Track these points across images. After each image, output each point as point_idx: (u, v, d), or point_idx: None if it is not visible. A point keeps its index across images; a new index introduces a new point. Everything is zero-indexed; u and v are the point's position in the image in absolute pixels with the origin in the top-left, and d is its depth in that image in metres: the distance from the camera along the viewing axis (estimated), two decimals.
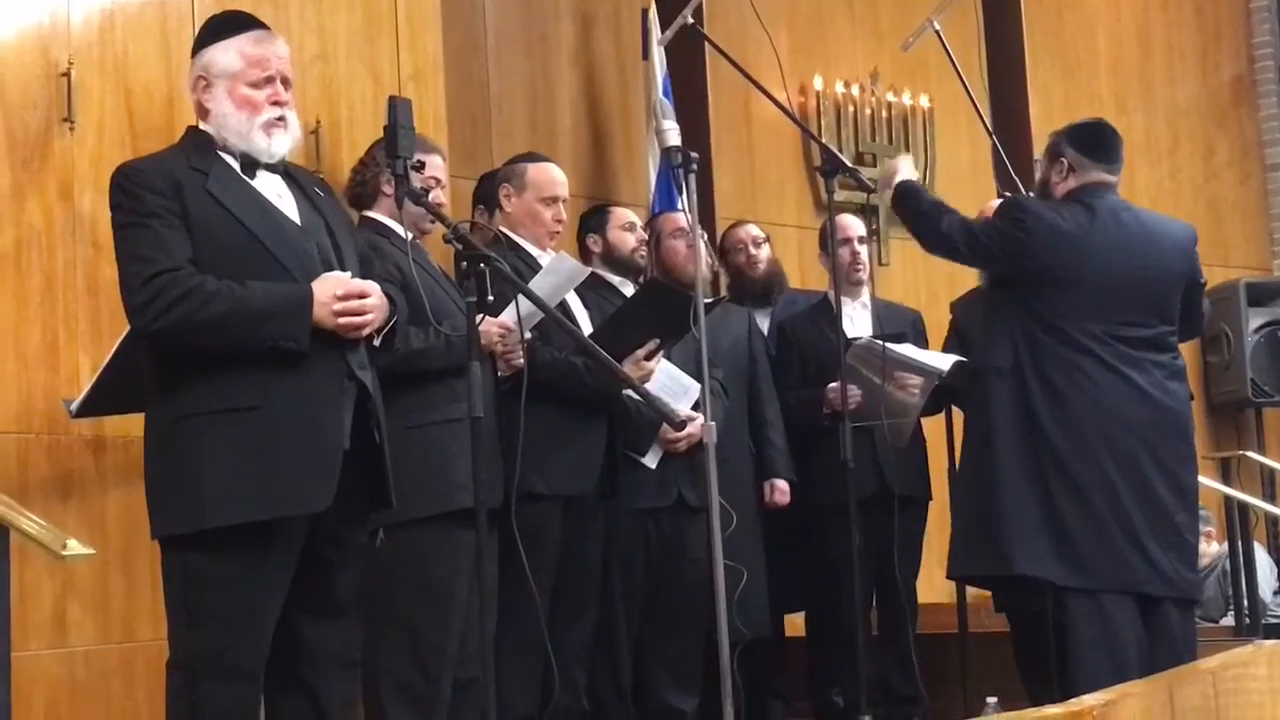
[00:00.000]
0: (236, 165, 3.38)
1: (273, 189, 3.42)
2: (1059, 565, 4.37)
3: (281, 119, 3.41)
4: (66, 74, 4.24)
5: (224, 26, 3.49)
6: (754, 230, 5.86)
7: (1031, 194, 5.43)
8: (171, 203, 3.26)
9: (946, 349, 5.70)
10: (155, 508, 3.31)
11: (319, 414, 3.27)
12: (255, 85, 3.39)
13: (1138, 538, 4.38)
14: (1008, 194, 5.55)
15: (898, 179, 4.82)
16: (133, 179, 3.31)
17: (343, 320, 3.29)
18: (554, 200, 4.78)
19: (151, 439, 3.34)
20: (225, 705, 3.22)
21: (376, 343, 3.43)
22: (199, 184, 3.30)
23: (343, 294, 3.30)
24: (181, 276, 3.21)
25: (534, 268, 4.57)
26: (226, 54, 3.41)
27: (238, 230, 3.30)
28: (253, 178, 3.39)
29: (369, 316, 3.34)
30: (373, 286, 3.37)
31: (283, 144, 3.42)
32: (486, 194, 5.09)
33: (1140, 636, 4.36)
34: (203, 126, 3.43)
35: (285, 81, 3.44)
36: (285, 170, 3.47)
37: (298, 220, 3.41)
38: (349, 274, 3.38)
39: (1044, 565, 4.38)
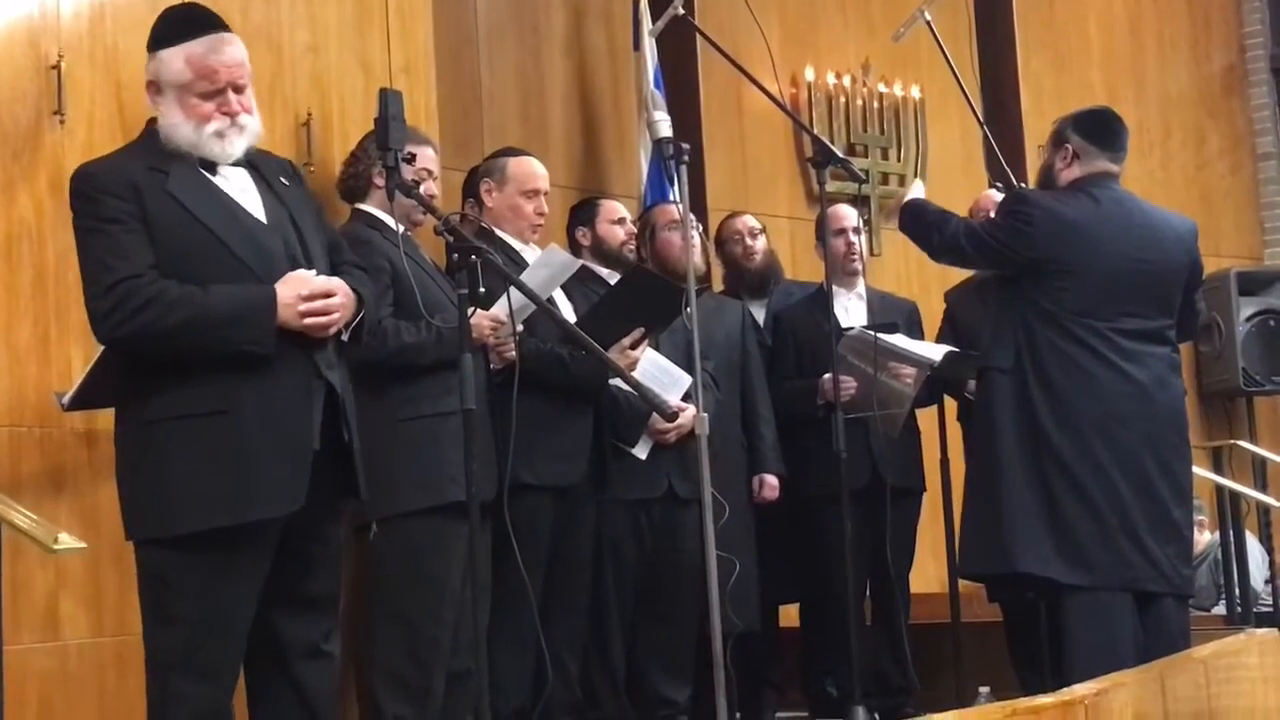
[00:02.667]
0: (197, 163, 3.33)
1: (236, 184, 3.37)
2: (1061, 564, 4.36)
3: (233, 125, 3.33)
4: (56, 67, 4.22)
5: (176, 27, 3.39)
6: (750, 221, 5.85)
7: (1023, 185, 5.45)
8: (131, 206, 3.22)
9: (940, 338, 5.71)
10: (127, 511, 3.31)
11: (287, 416, 3.24)
12: (204, 96, 3.32)
13: (1138, 535, 4.38)
14: (998, 184, 5.55)
15: (907, 197, 4.85)
16: (90, 183, 3.27)
17: (309, 320, 3.26)
18: (535, 193, 4.78)
19: (122, 442, 3.32)
20: (194, 704, 3.22)
21: (345, 337, 3.39)
22: (159, 184, 3.26)
23: (307, 294, 3.26)
24: (142, 284, 3.18)
25: (517, 262, 4.57)
26: (177, 62, 3.33)
27: (199, 231, 3.26)
28: (214, 174, 3.35)
29: (335, 316, 3.30)
30: (338, 284, 3.32)
31: (237, 146, 3.35)
32: (475, 187, 5.09)
33: (1137, 632, 4.36)
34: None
35: (238, 89, 3.35)
36: (249, 161, 3.41)
37: (262, 216, 3.36)
38: (314, 271, 3.33)
39: (1047, 564, 4.36)
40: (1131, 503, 4.38)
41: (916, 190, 4.88)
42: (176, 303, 3.18)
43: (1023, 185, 5.44)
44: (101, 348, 3.91)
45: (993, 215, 4.85)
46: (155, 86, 3.36)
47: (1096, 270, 4.43)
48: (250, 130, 3.38)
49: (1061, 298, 4.43)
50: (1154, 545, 4.39)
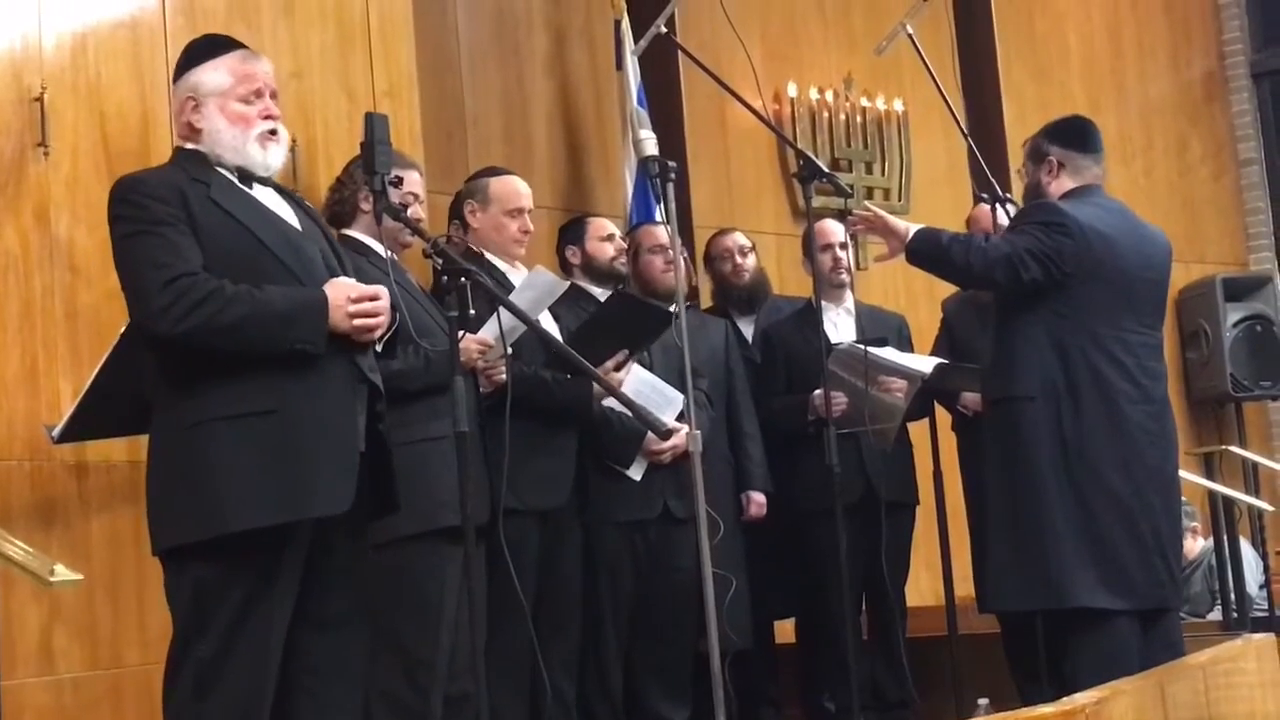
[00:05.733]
0: (234, 178, 3.40)
1: (270, 199, 3.45)
2: (1106, 591, 4.27)
3: (274, 132, 3.44)
4: (39, 98, 4.21)
5: (207, 49, 3.51)
6: (740, 239, 5.85)
7: (1009, 195, 5.44)
8: (178, 210, 3.28)
9: (937, 347, 5.71)
10: (165, 518, 3.28)
11: (335, 416, 3.29)
12: (246, 100, 3.42)
13: (1164, 553, 4.33)
14: (984, 195, 5.54)
15: (912, 229, 4.50)
16: (137, 189, 3.32)
17: (358, 322, 3.31)
18: (519, 211, 4.78)
19: (161, 448, 3.31)
20: (234, 715, 3.20)
21: (379, 348, 3.46)
22: (202, 193, 3.32)
23: (356, 296, 3.32)
24: (201, 280, 3.23)
25: (504, 284, 4.56)
26: (216, 73, 3.43)
27: (245, 237, 3.32)
28: (250, 189, 3.42)
29: (382, 319, 3.37)
30: (382, 290, 3.39)
31: (278, 156, 3.45)
32: (459, 210, 5.09)
33: (1140, 646, 4.31)
34: (192, 146, 3.43)
35: (274, 96, 3.48)
36: (275, 184, 3.49)
37: (298, 227, 3.45)
38: (353, 279, 3.41)
39: (1095, 594, 4.26)
40: (1162, 520, 4.33)
41: (903, 221, 4.60)
42: (234, 299, 3.22)
43: (1008, 196, 5.43)
44: (88, 381, 3.92)
45: (1000, 231, 4.73)
46: (193, 102, 3.43)
47: (1120, 281, 4.34)
48: (285, 144, 3.49)
49: (1094, 310, 4.31)
50: (1173, 560, 4.37)
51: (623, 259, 5.22)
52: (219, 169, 3.40)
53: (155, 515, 3.30)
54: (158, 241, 3.25)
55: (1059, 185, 4.49)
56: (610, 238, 5.21)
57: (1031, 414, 4.33)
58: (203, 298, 3.20)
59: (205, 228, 3.29)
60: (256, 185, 3.43)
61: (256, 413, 3.22)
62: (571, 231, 5.30)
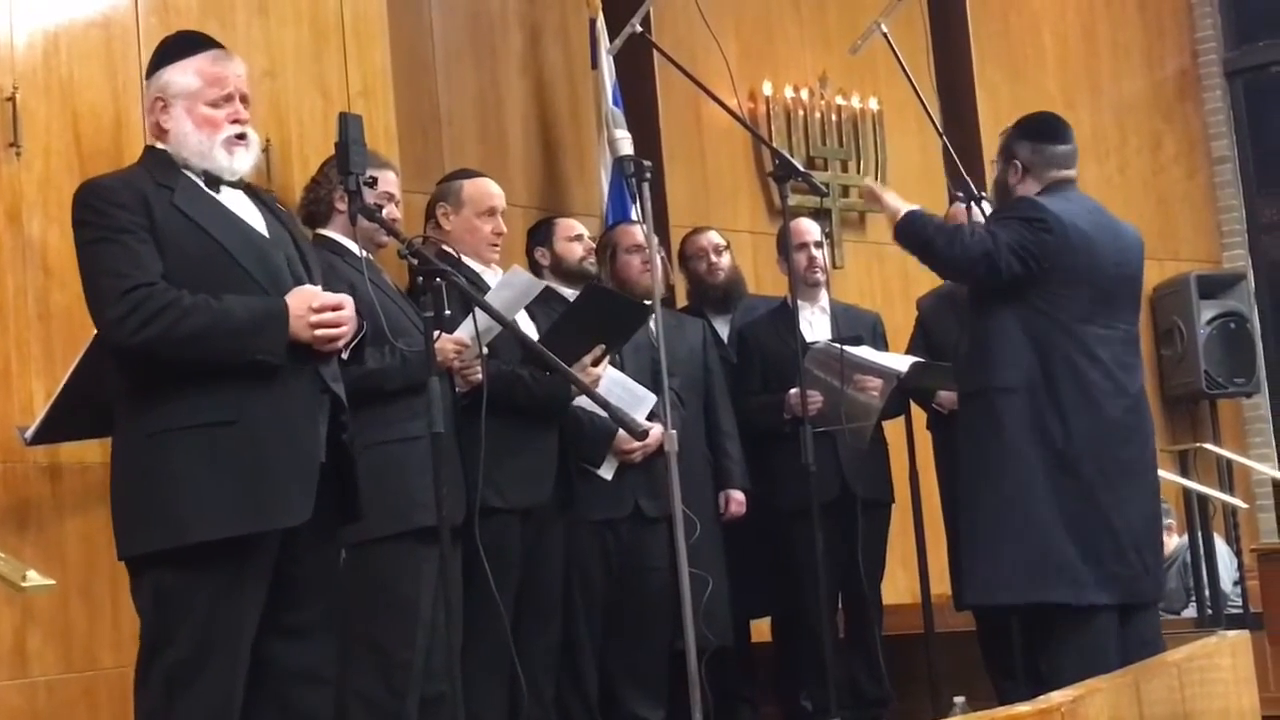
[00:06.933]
0: (200, 181, 3.38)
1: (238, 203, 3.42)
2: (1090, 586, 4.25)
3: (242, 136, 3.41)
4: (11, 98, 4.19)
5: (179, 47, 3.48)
6: (715, 238, 5.85)
7: (983, 194, 5.44)
8: (140, 218, 3.26)
9: (912, 345, 5.71)
10: (126, 526, 3.28)
11: (296, 427, 3.28)
12: (214, 104, 3.40)
13: (1139, 547, 4.33)
14: (959, 195, 5.54)
15: (904, 208, 4.49)
16: (100, 195, 3.30)
17: (319, 332, 3.30)
18: (492, 213, 4.78)
19: (122, 456, 3.31)
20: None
21: (344, 356, 3.44)
22: (166, 199, 3.30)
23: (318, 306, 3.30)
24: (158, 291, 3.21)
25: (478, 285, 4.55)
26: (184, 74, 3.41)
27: (206, 243, 3.30)
28: (217, 193, 3.39)
29: (345, 329, 3.35)
30: (345, 298, 3.37)
31: (245, 161, 3.42)
32: (431, 212, 5.08)
33: (1119, 642, 4.31)
34: (161, 147, 3.42)
35: (244, 99, 3.45)
36: (247, 186, 3.47)
37: (265, 233, 3.41)
38: (319, 287, 3.38)
39: (1079, 588, 4.24)
40: (1136, 515, 4.34)
41: (899, 199, 4.58)
42: (192, 309, 3.21)
43: (983, 194, 5.43)
44: (61, 383, 3.90)
45: (992, 223, 4.72)
46: (162, 103, 3.41)
47: (1097, 277, 4.35)
48: (254, 147, 3.46)
49: (1070, 306, 4.31)
50: (1150, 555, 4.37)
51: (591, 259, 5.21)
52: (185, 171, 3.37)
53: (118, 522, 3.30)
54: (117, 250, 3.23)
55: (1025, 188, 4.47)
56: (579, 238, 5.20)
57: (1011, 405, 4.31)
58: (160, 309, 3.19)
59: (167, 234, 3.27)
60: (225, 188, 3.40)
61: (216, 423, 3.21)
62: (540, 233, 5.29)
